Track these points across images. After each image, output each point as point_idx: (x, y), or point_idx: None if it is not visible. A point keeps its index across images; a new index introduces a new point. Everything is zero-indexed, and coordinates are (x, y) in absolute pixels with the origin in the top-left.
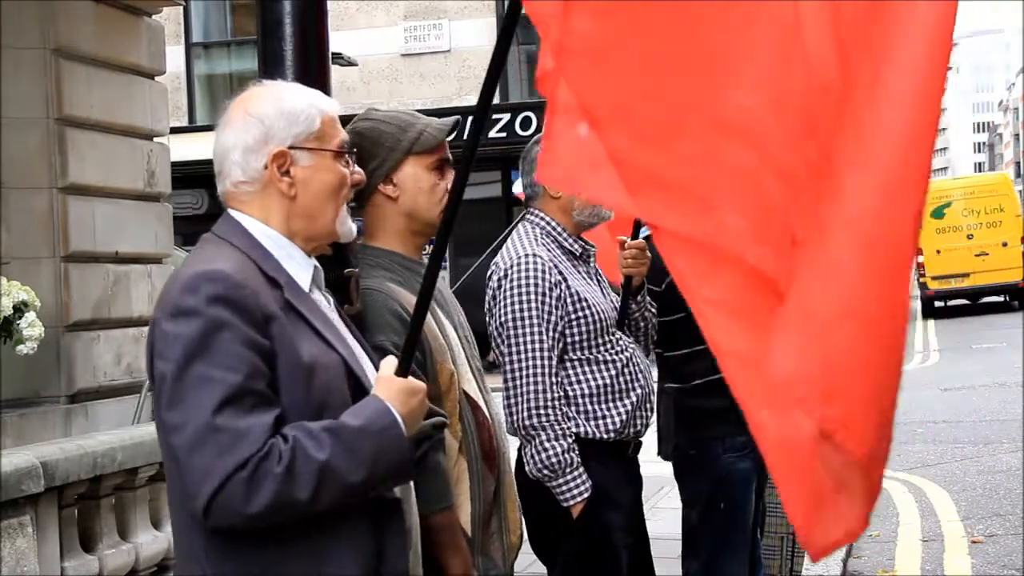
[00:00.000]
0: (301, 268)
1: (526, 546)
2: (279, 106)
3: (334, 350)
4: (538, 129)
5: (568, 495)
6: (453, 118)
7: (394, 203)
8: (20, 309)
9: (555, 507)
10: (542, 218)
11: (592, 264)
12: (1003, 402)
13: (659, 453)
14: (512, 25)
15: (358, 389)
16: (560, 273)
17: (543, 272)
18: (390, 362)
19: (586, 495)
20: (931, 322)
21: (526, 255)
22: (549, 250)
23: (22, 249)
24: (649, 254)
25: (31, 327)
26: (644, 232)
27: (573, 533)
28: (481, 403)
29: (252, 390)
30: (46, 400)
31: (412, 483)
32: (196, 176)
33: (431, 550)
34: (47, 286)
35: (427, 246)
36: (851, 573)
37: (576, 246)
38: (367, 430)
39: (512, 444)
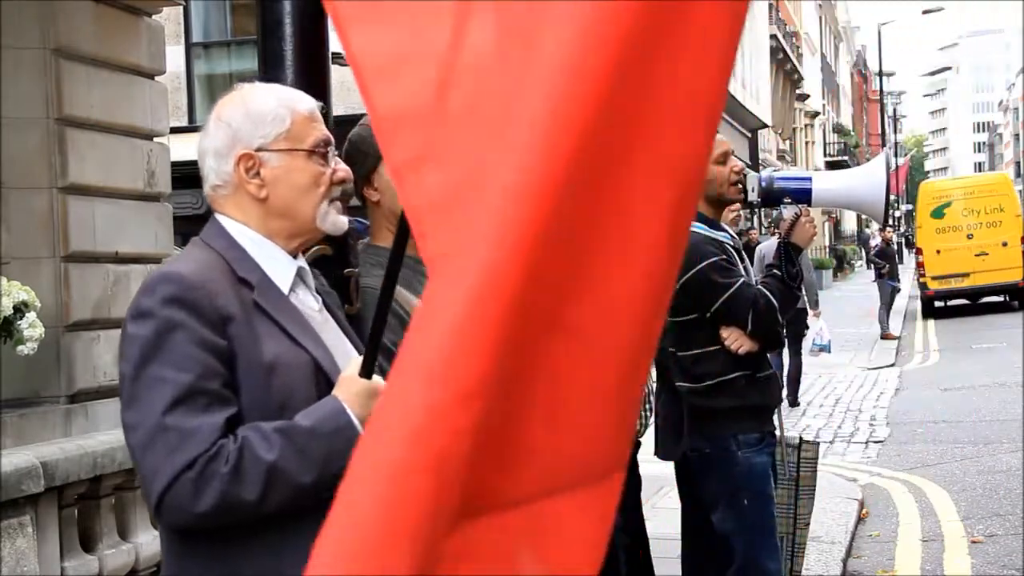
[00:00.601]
0: (282, 268)
1: None
2: (245, 109)
3: (304, 350)
4: None
5: None
6: None
7: (378, 206)
8: (20, 309)
9: None
10: None
11: None
12: (1003, 402)
13: (656, 453)
14: None
15: (328, 388)
16: None
17: None
18: (355, 362)
19: None
20: (931, 322)
21: None
22: None
23: (22, 249)
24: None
25: (32, 327)
26: None
27: None
28: None
29: (204, 390)
30: (46, 400)
31: None
32: (196, 176)
33: None
34: (47, 286)
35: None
36: (851, 573)
37: None
38: (318, 431)
39: None
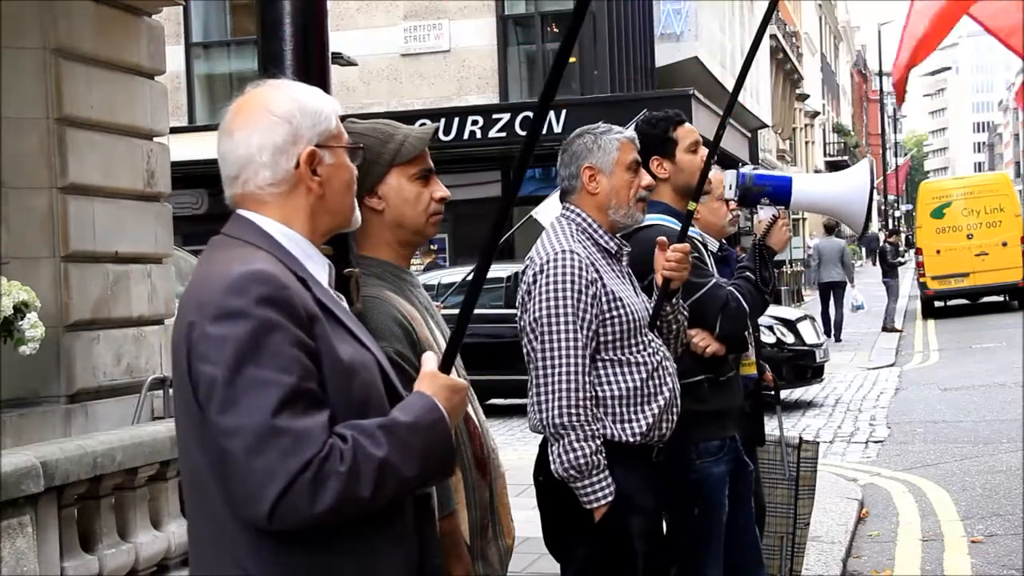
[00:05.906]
0: (319, 268)
1: (524, 547)
2: (301, 105)
3: (367, 349)
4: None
5: (592, 497)
6: (432, 126)
7: (380, 215)
8: (20, 309)
9: (574, 508)
10: (578, 214)
11: (625, 263)
12: (1003, 402)
13: None
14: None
15: (388, 387)
16: (596, 271)
17: (580, 269)
18: (431, 358)
19: (610, 498)
20: (931, 322)
21: (563, 251)
22: (585, 247)
23: (22, 249)
24: (690, 259)
25: (33, 328)
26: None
27: (593, 536)
28: (470, 410)
29: (306, 391)
30: (46, 400)
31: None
32: (196, 176)
33: None
34: (47, 286)
35: (417, 254)
36: (851, 573)
37: (611, 244)
38: (418, 426)
39: (524, 443)
